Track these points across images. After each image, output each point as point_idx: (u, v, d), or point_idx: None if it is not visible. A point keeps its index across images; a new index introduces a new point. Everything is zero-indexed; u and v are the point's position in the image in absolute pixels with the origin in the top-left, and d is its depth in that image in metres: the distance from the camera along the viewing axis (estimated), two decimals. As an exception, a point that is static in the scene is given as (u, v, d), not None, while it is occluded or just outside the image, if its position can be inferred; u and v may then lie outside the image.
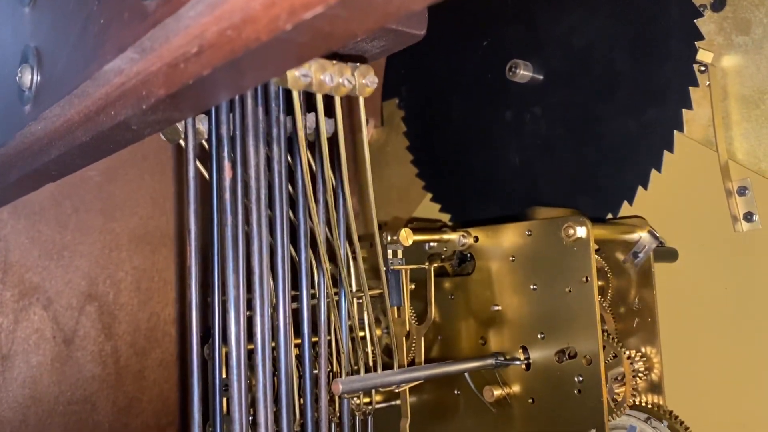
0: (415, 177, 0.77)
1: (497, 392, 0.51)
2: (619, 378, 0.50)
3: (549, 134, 0.64)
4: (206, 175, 0.47)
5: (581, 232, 0.47)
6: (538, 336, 0.50)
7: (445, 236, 0.56)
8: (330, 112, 0.49)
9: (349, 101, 0.53)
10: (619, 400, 0.49)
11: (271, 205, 0.46)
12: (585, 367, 0.47)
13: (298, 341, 0.51)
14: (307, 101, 0.45)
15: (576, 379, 0.47)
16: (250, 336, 0.49)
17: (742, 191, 0.52)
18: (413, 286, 0.57)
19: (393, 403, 0.59)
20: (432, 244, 0.57)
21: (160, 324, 0.85)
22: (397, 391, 0.52)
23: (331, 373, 0.55)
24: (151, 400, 0.84)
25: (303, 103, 0.42)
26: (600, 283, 0.54)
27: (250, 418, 0.50)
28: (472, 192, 0.70)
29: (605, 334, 0.50)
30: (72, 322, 0.79)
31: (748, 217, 0.51)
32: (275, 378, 0.49)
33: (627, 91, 0.58)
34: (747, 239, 0.51)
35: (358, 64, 0.42)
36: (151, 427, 0.84)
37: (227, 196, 0.41)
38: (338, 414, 0.53)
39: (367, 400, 0.55)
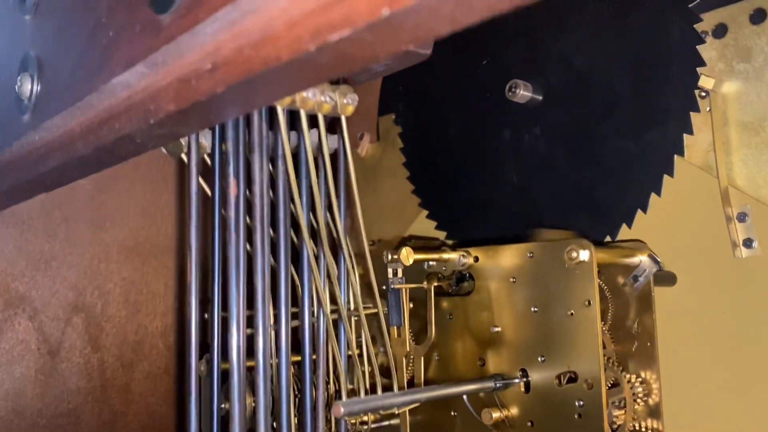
0: (411, 194, 0.77)
1: (496, 414, 0.51)
2: (619, 403, 0.50)
3: (548, 154, 0.64)
4: (208, 191, 0.46)
5: (584, 255, 0.47)
6: (539, 359, 0.49)
7: (445, 255, 0.55)
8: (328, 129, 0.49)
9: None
10: (619, 424, 0.49)
11: (273, 224, 0.46)
12: (586, 392, 0.47)
13: (298, 358, 0.50)
14: (310, 121, 0.45)
15: (576, 404, 0.47)
16: (249, 353, 0.48)
17: (742, 217, 0.52)
18: (411, 305, 0.57)
19: (389, 423, 0.58)
20: (431, 263, 0.56)
21: (148, 337, 0.84)
22: (397, 413, 0.51)
23: (328, 393, 0.54)
24: (137, 414, 0.82)
25: (307, 122, 0.42)
26: (600, 307, 0.53)
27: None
28: (469, 210, 0.70)
29: (606, 358, 0.50)
30: (58, 334, 0.77)
31: (748, 243, 0.51)
32: (273, 396, 0.48)
33: (627, 113, 0.58)
34: (746, 265, 0.52)
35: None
36: (136, 442, 0.82)
37: (231, 213, 0.40)
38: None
39: (364, 418, 0.54)
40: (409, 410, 0.56)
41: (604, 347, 0.51)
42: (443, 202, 0.73)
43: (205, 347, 0.53)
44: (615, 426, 0.49)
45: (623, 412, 0.50)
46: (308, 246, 0.41)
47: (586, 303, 0.47)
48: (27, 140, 0.45)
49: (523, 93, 0.66)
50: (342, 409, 0.42)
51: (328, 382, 0.53)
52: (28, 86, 0.44)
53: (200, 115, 0.33)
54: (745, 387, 0.51)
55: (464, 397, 0.53)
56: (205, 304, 0.51)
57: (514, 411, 0.51)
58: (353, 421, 0.54)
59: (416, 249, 0.53)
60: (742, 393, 0.52)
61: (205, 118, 0.34)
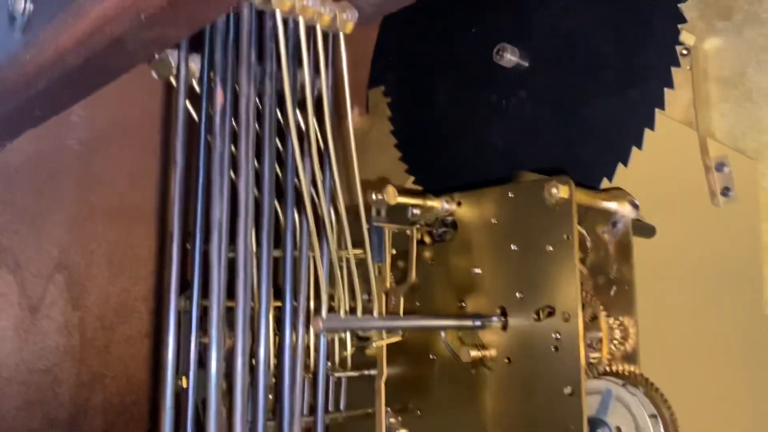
0: (399, 161, 0.77)
1: (474, 353, 0.51)
2: (595, 344, 0.51)
3: (533, 117, 0.66)
4: (195, 116, 0.47)
5: (564, 192, 0.48)
6: (517, 295, 0.50)
7: (429, 202, 0.56)
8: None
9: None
10: (595, 363, 0.50)
11: (259, 156, 0.46)
12: (563, 324, 0.47)
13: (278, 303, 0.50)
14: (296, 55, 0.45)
15: (553, 336, 0.47)
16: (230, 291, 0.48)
17: (720, 167, 0.53)
18: (394, 251, 0.57)
19: (367, 372, 0.58)
20: (415, 211, 0.57)
21: (130, 300, 0.84)
22: (374, 344, 0.51)
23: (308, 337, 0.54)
24: (116, 377, 0.82)
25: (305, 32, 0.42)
26: (580, 255, 0.54)
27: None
28: (456, 173, 0.71)
29: (584, 293, 0.50)
30: (39, 290, 0.77)
31: (726, 192, 0.52)
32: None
33: (611, 72, 0.60)
34: (724, 213, 0.53)
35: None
36: (114, 405, 0.82)
37: (217, 120, 0.40)
38: (312, 373, 0.52)
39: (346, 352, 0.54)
40: (388, 356, 0.57)
41: (584, 286, 0.52)
42: (430, 167, 0.74)
43: (185, 284, 0.53)
44: (591, 362, 0.49)
45: (599, 354, 0.51)
46: (296, 150, 0.42)
47: (565, 237, 0.48)
48: (18, 58, 0.46)
49: (510, 57, 0.67)
50: (321, 324, 0.42)
51: (308, 325, 0.53)
52: (21, 4, 0.45)
53: (188, 9, 0.34)
54: (721, 332, 0.52)
55: (442, 334, 0.53)
56: (187, 236, 0.51)
57: (492, 350, 0.51)
58: (333, 365, 0.54)
59: (401, 192, 0.54)
60: (718, 339, 0.52)
61: (194, 13, 0.35)
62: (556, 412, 0.47)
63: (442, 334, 0.53)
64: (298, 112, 0.45)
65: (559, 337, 0.47)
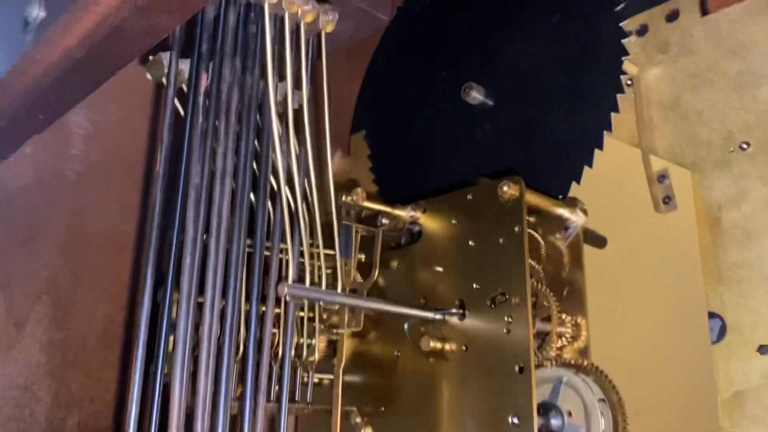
0: (376, 194, 0.82)
1: (433, 343, 0.54)
2: (544, 335, 0.54)
3: (496, 145, 0.71)
4: (182, 111, 0.52)
5: (515, 189, 0.53)
6: (474, 287, 0.54)
7: (396, 211, 0.61)
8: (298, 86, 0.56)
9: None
10: (545, 348, 0.53)
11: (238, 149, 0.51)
12: (514, 308, 0.50)
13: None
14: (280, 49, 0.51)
15: (506, 320, 0.51)
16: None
17: (662, 179, 0.58)
18: (363, 256, 0.61)
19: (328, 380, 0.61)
20: (384, 221, 0.61)
21: (113, 326, 0.86)
22: (337, 333, 0.54)
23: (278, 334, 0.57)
24: (94, 400, 0.83)
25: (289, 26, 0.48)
26: (533, 262, 0.58)
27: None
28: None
29: (534, 282, 0.54)
30: (26, 309, 0.80)
31: (667, 200, 0.57)
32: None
33: (565, 101, 0.66)
34: (666, 219, 0.57)
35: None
36: (89, 428, 0.82)
37: (200, 101, 0.46)
38: (280, 363, 0.55)
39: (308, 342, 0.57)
40: (354, 352, 0.60)
41: (533, 276, 0.55)
42: (405, 194, 0.79)
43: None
44: (541, 343, 0.52)
45: (551, 345, 0.54)
46: (275, 131, 0.47)
47: (516, 229, 0.52)
48: (29, 58, 0.51)
49: (475, 95, 0.73)
50: (286, 290, 0.46)
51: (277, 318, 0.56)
52: (35, 11, 0.51)
53: None
54: (669, 328, 0.55)
55: (405, 326, 0.56)
56: (166, 229, 0.54)
57: (451, 341, 0.54)
58: (301, 356, 0.57)
59: (371, 198, 0.59)
60: (667, 334, 0.56)
61: (185, 1, 0.41)
62: (508, 390, 0.49)
63: (406, 326, 0.57)
64: (277, 104, 0.50)
65: (510, 320, 0.51)
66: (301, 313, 0.59)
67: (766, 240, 0.53)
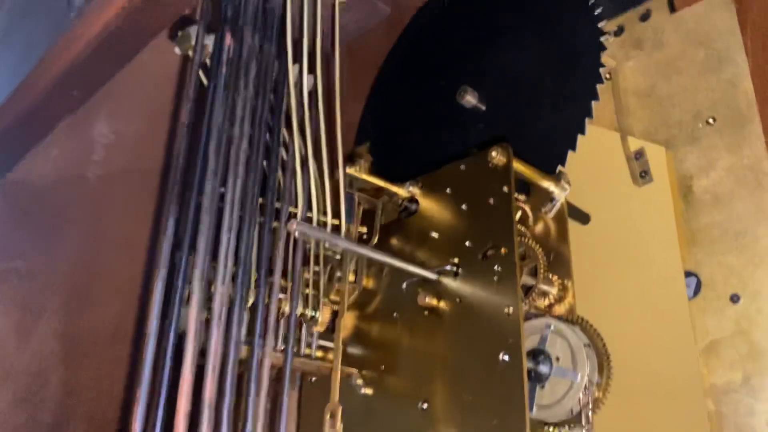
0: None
1: (429, 299, 0.58)
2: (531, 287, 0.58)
3: (490, 142, 0.77)
4: (205, 81, 0.58)
5: (503, 154, 0.58)
6: (467, 244, 0.58)
7: (394, 187, 0.66)
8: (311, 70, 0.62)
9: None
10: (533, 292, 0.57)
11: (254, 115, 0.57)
12: (502, 257, 0.55)
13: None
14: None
15: (495, 269, 0.55)
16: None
17: (638, 156, 0.63)
18: (365, 228, 0.66)
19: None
20: (385, 198, 0.67)
21: (125, 323, 0.89)
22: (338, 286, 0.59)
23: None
24: (102, 392, 0.85)
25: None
26: (522, 227, 0.63)
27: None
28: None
29: (521, 238, 0.58)
30: (43, 299, 0.83)
31: (644, 174, 0.62)
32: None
33: (552, 98, 0.72)
34: (644, 191, 0.62)
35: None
36: (96, 419, 0.85)
37: (224, 60, 0.52)
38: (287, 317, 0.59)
39: (311, 313, 0.61)
40: (354, 315, 0.63)
41: (524, 236, 0.60)
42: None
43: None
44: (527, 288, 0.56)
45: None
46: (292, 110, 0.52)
47: (505, 189, 0.57)
48: (71, 33, 0.58)
49: (469, 98, 0.80)
50: (296, 226, 0.50)
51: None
52: (79, -8, 0.58)
53: None
54: (648, 293, 0.60)
55: (403, 286, 0.60)
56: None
57: (446, 297, 0.58)
58: (304, 311, 0.61)
59: (373, 172, 0.64)
60: (647, 299, 0.60)
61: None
62: (498, 331, 0.53)
63: (404, 286, 0.61)
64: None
65: (499, 269, 0.55)
66: (306, 290, 0.63)
67: (733, 202, 0.57)
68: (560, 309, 0.60)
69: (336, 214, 0.58)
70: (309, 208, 0.59)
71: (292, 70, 0.53)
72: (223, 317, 0.53)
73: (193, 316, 0.49)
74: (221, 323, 0.53)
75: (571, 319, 0.57)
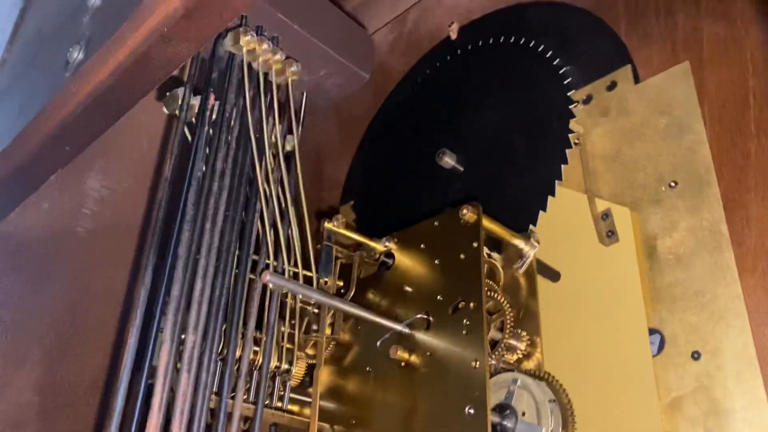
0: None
1: (401, 352, 0.59)
2: (501, 345, 0.59)
3: (465, 199, 0.80)
4: (189, 137, 0.61)
5: (474, 212, 0.61)
6: (438, 298, 0.60)
7: (372, 243, 0.68)
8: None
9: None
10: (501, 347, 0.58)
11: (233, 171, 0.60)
12: (471, 312, 0.57)
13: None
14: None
15: (464, 322, 0.57)
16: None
17: (605, 217, 0.66)
18: (341, 282, 0.68)
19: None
20: (362, 252, 0.69)
21: (104, 375, 0.89)
22: (315, 336, 0.60)
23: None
24: (78, 444, 0.85)
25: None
26: (492, 282, 0.65)
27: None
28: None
29: (488, 291, 0.60)
30: (25, 349, 0.84)
31: (610, 234, 0.65)
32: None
33: (524, 160, 0.75)
34: (610, 250, 0.65)
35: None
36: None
37: (205, 120, 0.55)
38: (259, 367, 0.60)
39: (286, 366, 0.62)
40: (328, 370, 0.65)
41: (493, 291, 0.62)
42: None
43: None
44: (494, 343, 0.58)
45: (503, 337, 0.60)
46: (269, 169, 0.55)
47: (474, 245, 0.59)
48: (65, 90, 0.61)
49: (447, 160, 0.83)
50: (269, 277, 0.52)
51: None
52: (75, 54, 0.62)
53: (205, 17, 0.49)
54: (616, 350, 0.61)
55: (378, 344, 0.62)
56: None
57: (418, 351, 0.60)
58: (279, 364, 0.62)
59: (350, 227, 0.66)
60: (615, 357, 0.61)
61: (201, 29, 0.51)
62: (464, 385, 0.54)
63: (378, 343, 0.62)
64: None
65: (468, 322, 0.57)
66: (282, 343, 0.65)
67: (693, 261, 0.60)
68: (529, 364, 0.61)
69: (310, 267, 0.60)
70: (288, 261, 0.61)
71: (269, 130, 0.56)
72: (194, 365, 0.55)
73: (163, 362, 0.50)
74: (192, 370, 0.54)
75: (538, 374, 0.58)
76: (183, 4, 0.49)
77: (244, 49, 0.56)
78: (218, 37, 0.59)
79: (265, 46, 0.56)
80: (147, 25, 0.52)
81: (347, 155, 1.05)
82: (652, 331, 0.60)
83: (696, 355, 0.56)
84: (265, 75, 0.58)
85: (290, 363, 0.63)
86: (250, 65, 0.58)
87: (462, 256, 0.60)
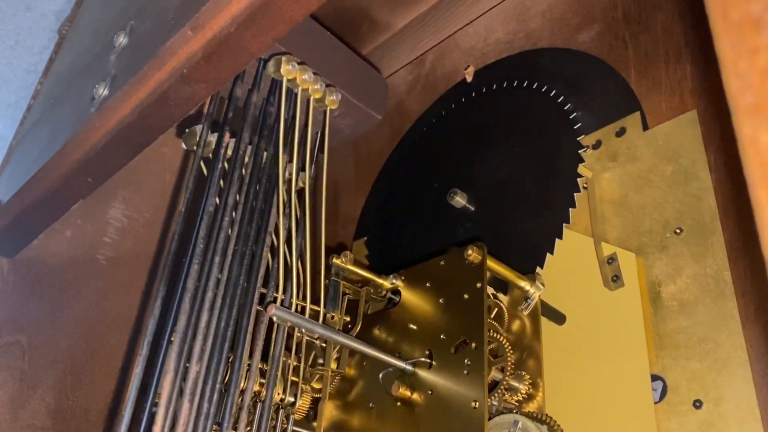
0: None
1: (402, 389, 0.60)
2: (501, 387, 0.60)
3: (474, 239, 0.81)
4: (205, 171, 0.63)
5: (478, 252, 0.62)
6: (441, 337, 0.61)
7: (379, 279, 0.69)
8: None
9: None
10: (501, 387, 0.58)
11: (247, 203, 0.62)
12: (472, 352, 0.57)
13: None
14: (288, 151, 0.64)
15: (465, 363, 0.57)
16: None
17: (611, 261, 0.67)
18: (348, 318, 0.69)
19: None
20: (369, 288, 0.70)
21: (118, 403, 0.91)
22: (319, 370, 0.61)
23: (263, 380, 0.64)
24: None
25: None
26: (496, 323, 0.66)
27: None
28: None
29: (491, 332, 0.61)
30: (41, 373, 0.86)
31: (615, 278, 0.65)
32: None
33: (533, 203, 0.76)
34: (615, 295, 0.65)
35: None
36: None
37: (219, 156, 0.57)
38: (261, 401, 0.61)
39: (291, 399, 0.63)
40: (333, 397, 0.65)
41: (496, 332, 0.62)
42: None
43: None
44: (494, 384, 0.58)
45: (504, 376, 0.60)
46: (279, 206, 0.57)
47: (478, 285, 0.60)
48: (90, 124, 0.64)
49: (459, 199, 0.84)
50: (274, 310, 0.53)
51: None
52: (101, 90, 0.65)
53: (223, 60, 0.52)
54: (619, 398, 0.61)
55: (380, 376, 0.62)
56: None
57: (419, 389, 0.60)
58: (282, 396, 0.63)
59: (358, 264, 0.68)
60: (619, 404, 0.61)
61: (219, 71, 0.53)
62: (463, 425, 0.55)
63: (380, 376, 0.63)
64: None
65: (469, 362, 0.57)
66: (289, 376, 0.66)
67: (697, 308, 0.60)
68: (531, 406, 0.61)
69: (318, 302, 0.61)
70: (297, 295, 0.63)
71: (284, 167, 0.58)
72: (197, 395, 0.56)
73: (165, 391, 0.51)
74: (194, 400, 0.55)
75: (539, 416, 0.59)
76: (202, 48, 0.51)
77: (285, 78, 0.58)
78: (236, 78, 0.62)
79: (306, 76, 0.59)
80: (168, 66, 0.55)
81: (363, 192, 1.07)
82: (654, 378, 0.60)
83: (698, 404, 0.56)
84: (306, 101, 0.60)
85: (295, 396, 0.64)
86: (290, 90, 0.60)
87: (466, 296, 0.61)
